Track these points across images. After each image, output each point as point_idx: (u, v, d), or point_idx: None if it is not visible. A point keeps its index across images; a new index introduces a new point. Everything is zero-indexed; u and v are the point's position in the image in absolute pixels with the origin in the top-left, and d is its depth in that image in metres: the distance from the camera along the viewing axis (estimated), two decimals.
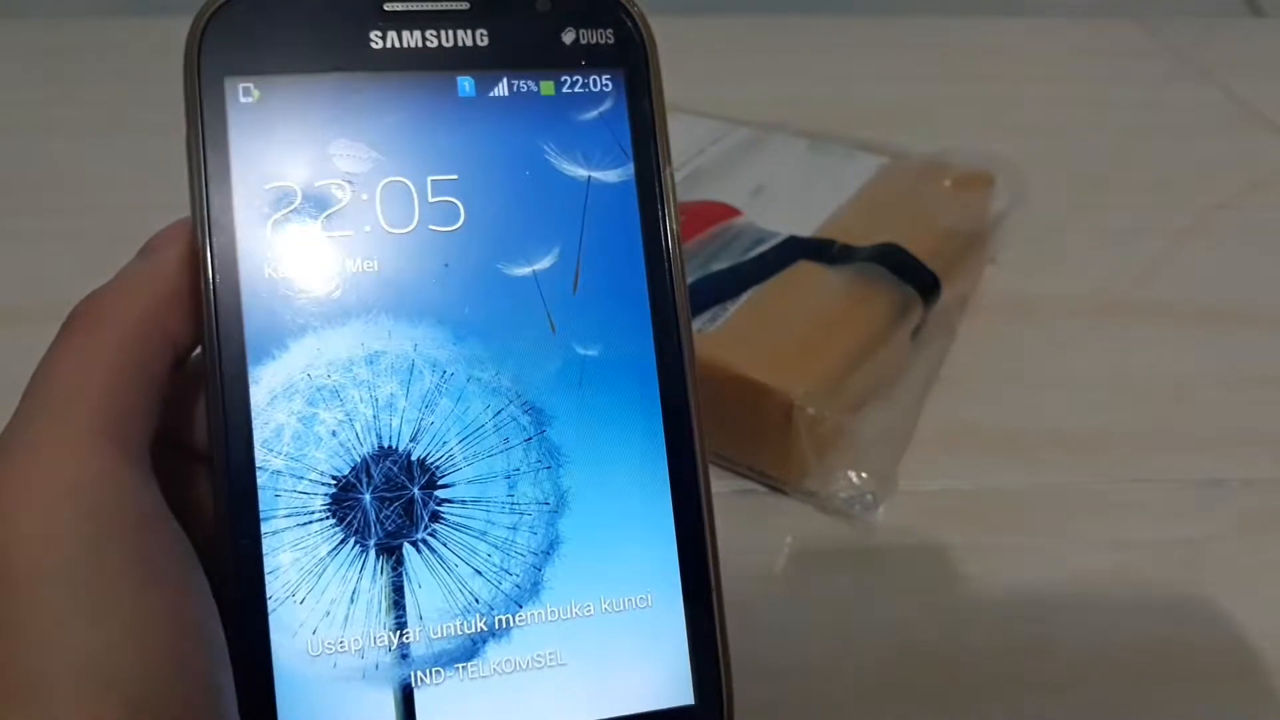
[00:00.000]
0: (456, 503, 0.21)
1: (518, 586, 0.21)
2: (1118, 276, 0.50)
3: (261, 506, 0.20)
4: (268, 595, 0.19)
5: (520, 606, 0.21)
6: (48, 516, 0.17)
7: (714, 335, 0.37)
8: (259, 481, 0.20)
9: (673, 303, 0.22)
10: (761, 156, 0.49)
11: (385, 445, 0.20)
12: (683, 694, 0.21)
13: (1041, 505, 0.37)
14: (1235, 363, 0.45)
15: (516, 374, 0.21)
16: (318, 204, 0.20)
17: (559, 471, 0.21)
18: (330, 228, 0.20)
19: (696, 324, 0.37)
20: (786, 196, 0.46)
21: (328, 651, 0.19)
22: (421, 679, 0.20)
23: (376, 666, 0.20)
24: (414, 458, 0.21)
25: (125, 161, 0.59)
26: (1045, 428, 0.41)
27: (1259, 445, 0.40)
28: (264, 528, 0.19)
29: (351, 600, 0.20)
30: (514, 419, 0.21)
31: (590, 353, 0.21)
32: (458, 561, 0.21)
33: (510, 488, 0.21)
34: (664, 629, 0.21)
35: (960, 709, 0.31)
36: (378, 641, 0.20)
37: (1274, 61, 0.77)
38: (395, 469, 0.20)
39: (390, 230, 0.21)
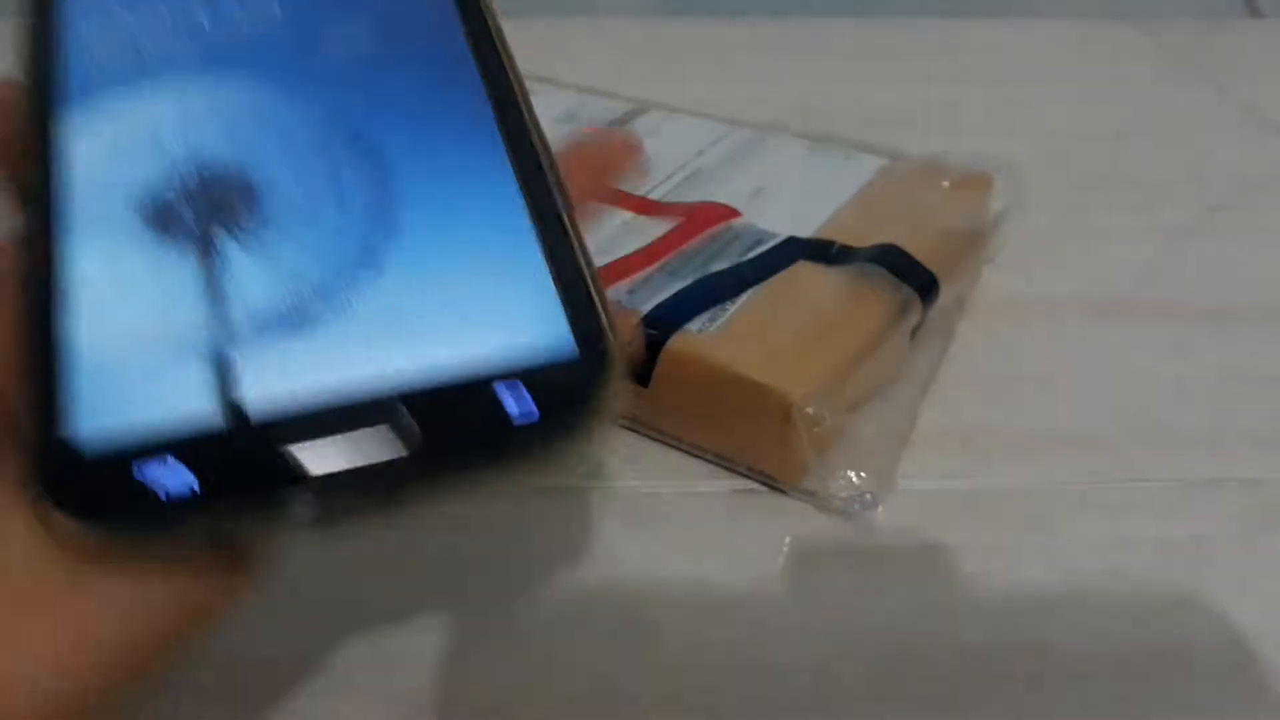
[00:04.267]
0: (279, 188, 0.21)
1: (352, 254, 0.20)
2: (1116, 277, 0.50)
3: (66, 219, 0.20)
4: (69, 286, 0.19)
5: (357, 273, 0.20)
6: None
7: (713, 336, 0.37)
8: (64, 195, 0.20)
9: None
10: (761, 157, 0.49)
11: (204, 154, 0.21)
12: (557, 346, 0.19)
13: (1040, 505, 0.37)
14: (1235, 362, 0.45)
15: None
16: None
17: (386, 137, 0.21)
18: None
19: (696, 325, 0.37)
20: (786, 197, 0.46)
21: (138, 335, 0.19)
22: (245, 351, 0.18)
23: (193, 344, 0.19)
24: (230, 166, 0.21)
25: None
26: (1044, 427, 0.41)
27: (1258, 445, 0.40)
28: (68, 240, 0.19)
29: (162, 288, 0.19)
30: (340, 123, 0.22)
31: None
32: (283, 239, 0.20)
33: (334, 171, 0.21)
34: (521, 276, 0.20)
35: (960, 709, 0.31)
36: (194, 321, 0.19)
37: (1273, 63, 0.77)
38: (214, 178, 0.21)
39: None
